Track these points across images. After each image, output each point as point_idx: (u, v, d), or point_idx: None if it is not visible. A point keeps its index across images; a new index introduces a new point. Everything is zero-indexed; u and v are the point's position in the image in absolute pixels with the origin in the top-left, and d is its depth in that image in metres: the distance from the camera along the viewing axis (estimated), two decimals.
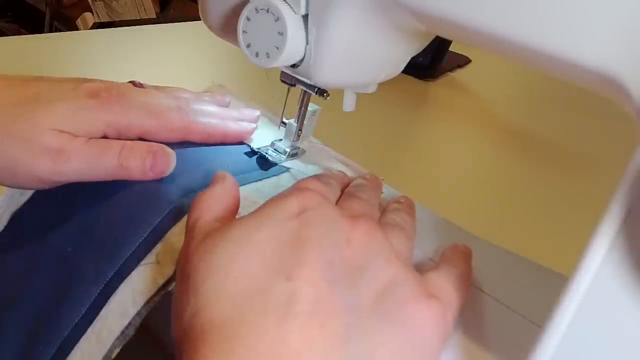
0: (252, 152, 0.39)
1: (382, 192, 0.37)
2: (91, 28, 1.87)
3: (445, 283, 0.28)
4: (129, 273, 0.30)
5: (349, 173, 0.40)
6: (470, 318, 0.29)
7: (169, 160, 0.33)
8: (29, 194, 0.36)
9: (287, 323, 0.21)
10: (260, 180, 0.37)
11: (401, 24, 0.30)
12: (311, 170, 0.39)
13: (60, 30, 1.88)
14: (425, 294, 0.25)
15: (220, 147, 0.38)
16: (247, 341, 0.21)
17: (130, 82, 0.38)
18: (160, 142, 0.34)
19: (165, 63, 0.76)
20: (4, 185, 0.33)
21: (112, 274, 0.30)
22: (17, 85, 0.33)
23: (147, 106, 0.35)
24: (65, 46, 0.80)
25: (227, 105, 0.42)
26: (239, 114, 0.40)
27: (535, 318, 0.30)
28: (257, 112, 0.41)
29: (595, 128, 0.79)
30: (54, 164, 0.31)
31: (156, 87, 0.39)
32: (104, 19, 1.88)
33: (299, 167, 0.39)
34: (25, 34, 1.20)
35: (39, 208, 0.35)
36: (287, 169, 0.38)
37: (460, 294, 0.28)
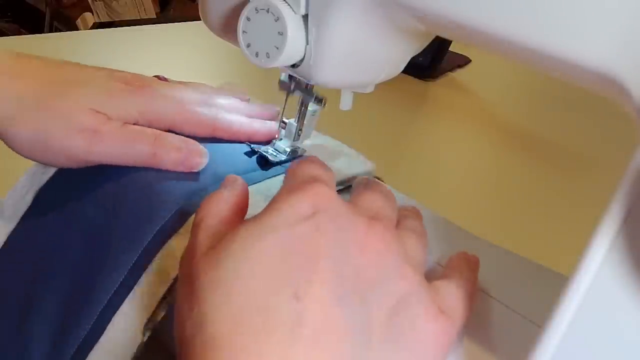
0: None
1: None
2: (91, 28, 1.87)
3: (454, 299, 0.27)
4: (166, 240, 0.30)
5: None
6: (471, 318, 0.29)
7: (202, 157, 0.33)
8: (50, 172, 0.35)
9: (293, 345, 0.20)
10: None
11: (401, 24, 0.30)
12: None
13: (60, 30, 1.88)
14: (436, 312, 0.25)
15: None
16: None
17: (155, 76, 0.39)
18: (188, 136, 0.35)
19: (165, 63, 0.76)
20: (33, 160, 0.34)
21: (148, 240, 0.30)
22: (53, 65, 0.34)
23: (178, 100, 0.35)
24: (65, 46, 0.80)
25: (247, 102, 0.42)
26: (261, 110, 0.40)
27: (535, 318, 0.30)
28: (278, 108, 0.41)
29: (595, 128, 0.79)
30: (87, 143, 0.31)
31: (180, 82, 0.39)
32: (104, 19, 1.88)
33: None
34: (25, 34, 1.20)
35: (63, 184, 0.35)
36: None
37: (467, 309, 0.28)
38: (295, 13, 0.30)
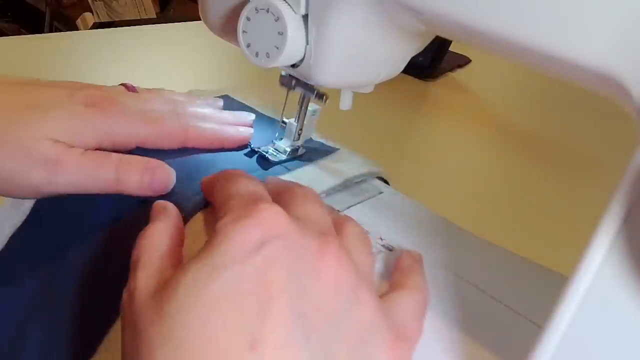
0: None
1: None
2: (91, 28, 1.87)
3: (409, 317, 0.26)
4: None
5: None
6: (470, 318, 0.29)
7: (168, 178, 0.32)
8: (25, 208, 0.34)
9: None
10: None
11: (401, 23, 0.30)
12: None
13: (60, 30, 1.88)
14: (392, 340, 0.24)
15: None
16: None
17: (122, 84, 0.38)
18: (159, 149, 0.34)
19: (165, 63, 0.76)
20: (1, 195, 0.32)
21: None
22: (11, 90, 0.32)
23: (144, 114, 0.34)
24: (65, 46, 0.80)
25: (220, 109, 0.41)
26: (234, 118, 0.40)
27: (535, 318, 0.30)
28: (252, 116, 0.41)
29: (595, 128, 0.79)
30: (49, 175, 0.30)
31: (149, 91, 0.38)
32: (104, 19, 1.88)
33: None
34: (25, 34, 1.20)
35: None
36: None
37: (421, 324, 0.27)
38: (295, 13, 0.30)
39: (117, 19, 1.89)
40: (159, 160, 0.32)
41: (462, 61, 0.94)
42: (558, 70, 0.23)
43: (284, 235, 0.22)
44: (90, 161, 0.31)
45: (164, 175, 0.32)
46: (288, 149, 0.39)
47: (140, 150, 0.34)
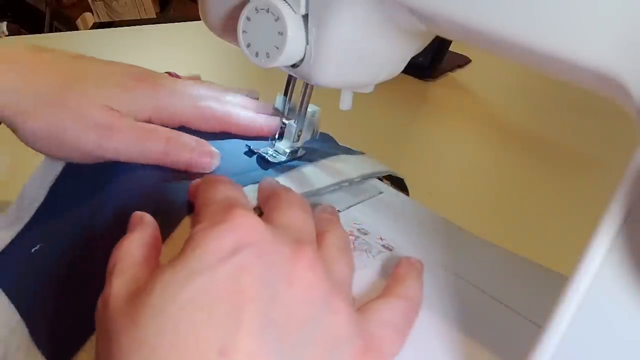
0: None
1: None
2: (91, 28, 1.87)
3: (388, 329, 0.26)
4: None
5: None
6: (470, 318, 0.29)
7: (213, 158, 0.33)
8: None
9: None
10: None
11: (401, 23, 0.30)
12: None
13: (60, 30, 1.88)
14: (366, 349, 0.24)
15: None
16: None
17: (167, 72, 0.39)
18: (200, 131, 0.35)
19: (165, 63, 0.76)
20: (47, 154, 0.34)
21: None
22: (69, 59, 0.34)
23: (189, 95, 0.36)
24: (65, 46, 0.79)
25: (256, 99, 0.42)
26: (264, 108, 0.41)
27: (535, 318, 0.30)
28: (272, 106, 0.42)
29: (595, 128, 0.79)
30: (100, 139, 0.32)
31: (191, 78, 0.40)
32: (104, 19, 1.88)
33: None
34: (25, 34, 1.20)
35: (73, 183, 0.35)
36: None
37: (403, 336, 0.27)
38: (295, 13, 0.30)
39: (117, 19, 1.89)
40: (206, 142, 0.34)
41: (462, 61, 0.94)
42: (558, 71, 0.23)
43: (258, 242, 0.22)
44: (142, 131, 0.32)
45: (210, 154, 0.33)
46: (288, 150, 0.39)
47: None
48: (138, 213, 0.27)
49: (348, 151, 0.42)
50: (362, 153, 0.42)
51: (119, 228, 0.28)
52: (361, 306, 0.27)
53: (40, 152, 0.34)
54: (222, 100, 0.37)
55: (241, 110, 0.38)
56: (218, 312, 0.20)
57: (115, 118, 0.32)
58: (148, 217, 0.27)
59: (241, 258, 0.21)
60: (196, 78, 0.43)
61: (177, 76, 0.39)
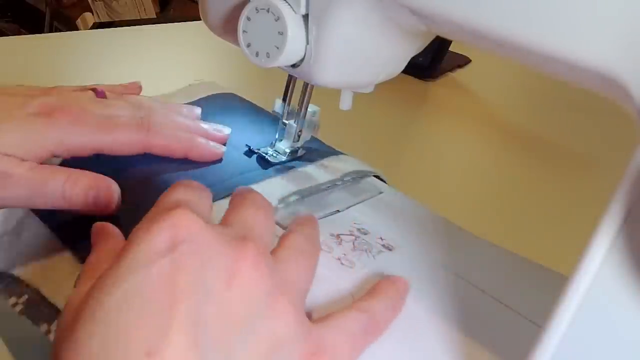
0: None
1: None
2: (91, 28, 1.87)
3: (340, 337, 0.25)
4: None
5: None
6: (470, 318, 0.29)
7: (112, 197, 0.32)
8: None
9: None
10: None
11: (401, 23, 0.30)
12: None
13: (60, 30, 1.88)
14: (311, 353, 0.23)
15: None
16: None
17: (92, 89, 0.37)
18: (119, 156, 0.34)
19: (165, 63, 0.76)
20: None
21: None
22: None
23: (102, 121, 0.33)
24: (65, 46, 0.80)
25: (197, 117, 0.40)
26: (208, 129, 0.39)
27: (535, 318, 0.30)
28: (228, 131, 0.40)
29: (595, 128, 0.79)
30: None
31: (119, 97, 0.38)
32: (104, 19, 1.88)
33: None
34: (25, 34, 1.20)
35: None
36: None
37: (357, 347, 0.26)
38: (295, 13, 0.30)
39: (117, 19, 1.89)
40: (108, 179, 0.32)
41: (462, 61, 0.94)
42: (558, 71, 0.23)
43: (195, 240, 0.22)
44: (38, 176, 0.31)
45: (108, 193, 0.31)
46: (288, 150, 0.39)
47: (148, 158, 0.35)
48: (98, 224, 0.27)
49: (340, 153, 0.42)
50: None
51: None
52: (323, 316, 0.26)
53: None
54: (144, 121, 0.35)
55: (169, 130, 0.36)
56: (148, 311, 0.20)
57: (12, 165, 0.30)
58: (109, 227, 0.27)
59: (176, 255, 0.21)
60: (134, 87, 0.41)
61: (103, 94, 0.37)
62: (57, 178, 0.31)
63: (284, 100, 0.39)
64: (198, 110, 0.41)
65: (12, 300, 0.28)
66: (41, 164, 0.32)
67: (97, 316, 0.20)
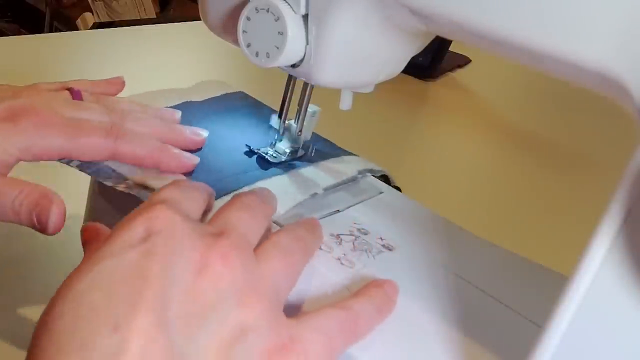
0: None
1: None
2: (91, 28, 1.87)
3: (316, 335, 0.24)
4: None
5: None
6: (470, 318, 0.29)
7: (51, 218, 0.30)
8: None
9: None
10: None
11: (401, 23, 0.30)
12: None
13: (60, 30, 1.88)
14: (278, 347, 0.23)
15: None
16: None
17: (68, 88, 0.36)
18: (86, 162, 0.33)
19: (165, 63, 0.76)
20: None
21: None
22: None
23: (69, 126, 0.33)
24: (65, 46, 0.80)
25: (176, 122, 0.39)
26: (186, 134, 0.37)
27: (535, 318, 0.30)
28: (205, 134, 0.38)
29: (595, 128, 0.79)
30: None
31: (96, 98, 0.37)
32: (104, 19, 1.88)
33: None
34: (25, 34, 1.20)
35: None
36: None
37: (333, 345, 0.25)
38: (295, 13, 0.30)
39: (117, 19, 1.89)
40: (54, 198, 0.31)
41: (462, 61, 0.94)
42: (558, 70, 0.23)
43: (168, 232, 0.23)
44: None
45: (47, 214, 0.30)
46: (287, 150, 0.39)
47: None
48: (89, 225, 0.28)
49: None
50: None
51: None
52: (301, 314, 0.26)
53: None
54: (114, 127, 0.34)
55: (140, 138, 0.35)
56: (116, 293, 0.21)
57: None
58: (102, 228, 0.27)
59: (148, 245, 0.22)
60: (117, 82, 0.40)
61: (79, 95, 0.36)
62: (10, 192, 0.30)
63: (280, 116, 0.39)
64: (178, 114, 0.40)
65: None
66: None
67: (69, 296, 0.21)
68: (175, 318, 0.21)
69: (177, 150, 0.36)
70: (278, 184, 0.37)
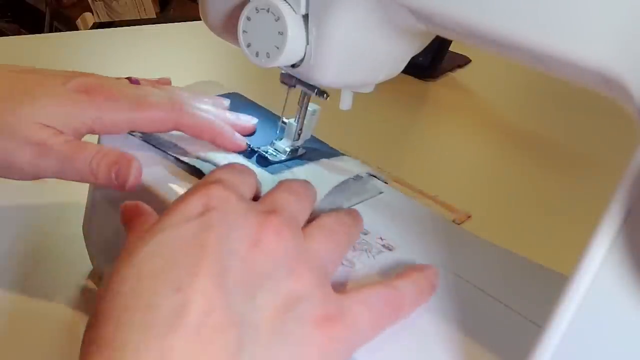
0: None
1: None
2: (91, 28, 1.87)
3: (362, 307, 0.25)
4: None
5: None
6: (470, 318, 0.29)
7: (132, 174, 0.32)
8: None
9: (171, 337, 0.20)
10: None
11: (401, 23, 0.30)
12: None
13: (60, 30, 1.88)
14: (325, 317, 0.24)
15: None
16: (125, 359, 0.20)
17: (127, 78, 0.39)
18: (152, 133, 0.36)
19: (165, 63, 0.76)
20: None
21: None
22: (9, 77, 0.34)
23: (136, 99, 0.35)
24: (65, 46, 0.80)
25: (225, 108, 0.41)
26: (235, 119, 0.40)
27: (535, 318, 0.30)
28: (255, 120, 0.41)
29: (595, 128, 0.79)
30: (33, 157, 0.32)
31: (153, 83, 0.39)
32: (104, 19, 1.88)
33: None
34: (25, 34, 1.20)
35: None
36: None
37: (378, 320, 0.26)
38: (295, 13, 0.30)
39: (117, 19, 1.89)
40: (131, 157, 0.33)
41: (462, 61, 0.94)
42: (558, 70, 0.23)
43: (224, 208, 0.24)
44: (69, 150, 0.32)
45: (129, 169, 0.32)
46: (288, 149, 0.39)
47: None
48: (128, 204, 0.29)
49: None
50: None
51: None
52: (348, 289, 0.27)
53: None
54: (176, 103, 0.36)
55: (197, 112, 0.37)
56: (177, 259, 0.22)
57: (48, 136, 0.32)
58: (141, 206, 0.29)
59: (206, 218, 0.23)
60: (166, 82, 0.42)
61: (137, 82, 0.38)
62: (87, 153, 0.32)
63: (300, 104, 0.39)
64: (227, 102, 0.42)
65: None
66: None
67: (131, 262, 0.22)
68: (232, 283, 0.22)
69: (231, 130, 0.38)
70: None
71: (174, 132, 0.37)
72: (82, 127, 0.33)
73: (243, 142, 0.38)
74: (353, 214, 0.32)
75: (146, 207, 0.29)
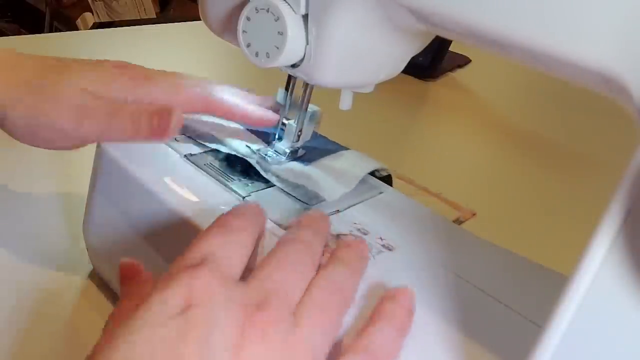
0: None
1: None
2: (91, 28, 1.87)
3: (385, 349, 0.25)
4: None
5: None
6: (470, 318, 0.29)
7: (173, 121, 0.33)
8: None
9: None
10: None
11: (401, 23, 0.30)
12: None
13: (60, 30, 1.88)
14: None
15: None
16: None
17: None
18: (189, 126, 0.38)
19: (165, 63, 0.76)
20: (30, 144, 0.35)
21: None
22: (49, 57, 0.36)
23: (170, 80, 0.37)
24: (65, 46, 0.80)
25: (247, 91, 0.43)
26: (259, 100, 0.41)
27: (535, 318, 0.30)
28: (277, 117, 0.40)
29: (595, 128, 0.79)
30: (76, 119, 0.33)
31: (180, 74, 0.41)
32: (104, 19, 1.88)
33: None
34: (25, 34, 1.20)
35: None
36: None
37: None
38: (295, 13, 0.30)
39: (117, 19, 1.89)
40: (171, 107, 0.34)
41: (462, 61, 0.94)
42: (558, 70, 0.23)
43: (207, 305, 0.22)
44: (111, 108, 0.34)
45: (169, 119, 0.33)
46: (287, 151, 0.39)
47: None
48: (126, 263, 0.28)
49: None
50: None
51: None
52: None
53: (23, 142, 0.35)
54: (206, 86, 0.38)
55: (226, 94, 0.38)
56: None
57: (90, 98, 0.33)
58: (137, 268, 0.29)
59: (184, 319, 0.21)
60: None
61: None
62: (128, 108, 0.34)
63: (287, 89, 0.39)
64: (253, 91, 0.43)
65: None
66: None
67: None
68: None
69: (256, 106, 0.39)
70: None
71: (208, 121, 0.40)
72: (119, 97, 0.34)
73: (274, 116, 0.39)
74: (357, 247, 0.30)
75: (141, 268, 0.28)
